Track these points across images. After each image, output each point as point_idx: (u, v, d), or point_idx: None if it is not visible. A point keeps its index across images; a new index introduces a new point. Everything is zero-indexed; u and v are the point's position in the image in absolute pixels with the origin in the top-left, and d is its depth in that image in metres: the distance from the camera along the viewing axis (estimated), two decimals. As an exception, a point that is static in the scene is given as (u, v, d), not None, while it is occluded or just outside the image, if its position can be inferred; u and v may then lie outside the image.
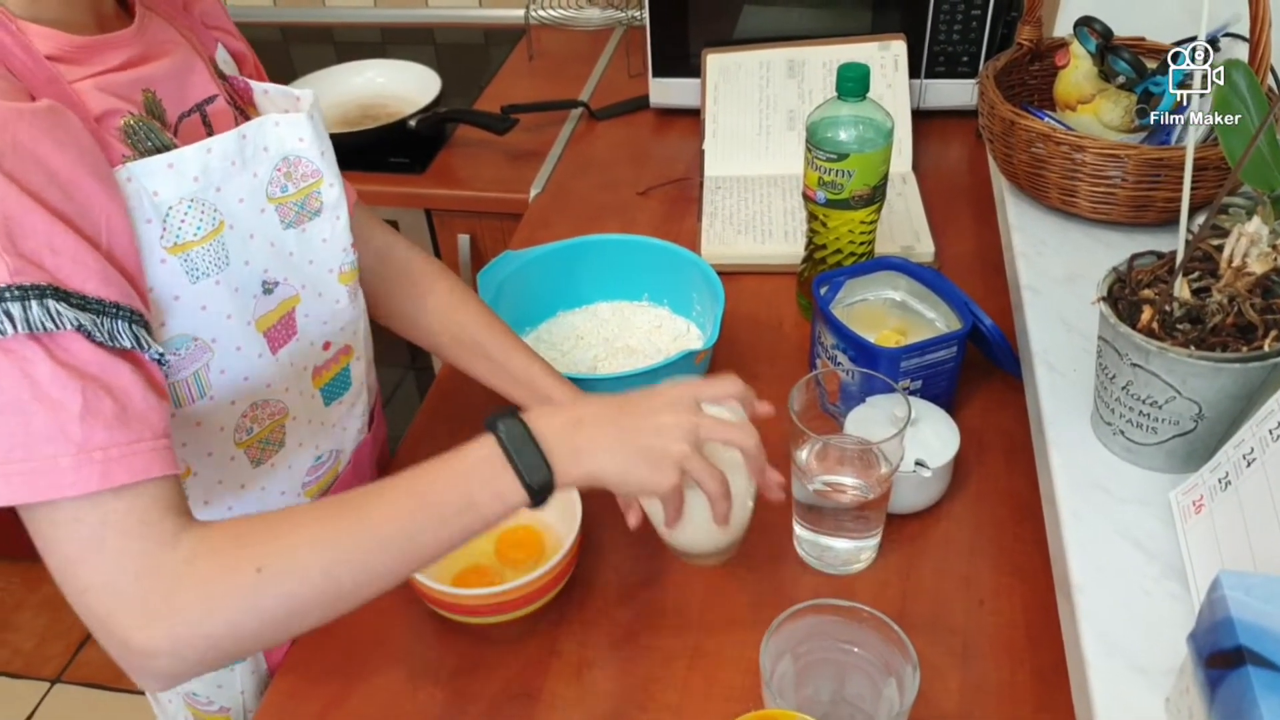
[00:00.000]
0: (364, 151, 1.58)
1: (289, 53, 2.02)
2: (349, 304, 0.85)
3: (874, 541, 0.88)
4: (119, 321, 0.61)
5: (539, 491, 0.66)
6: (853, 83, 0.98)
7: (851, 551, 0.87)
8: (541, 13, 1.87)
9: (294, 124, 0.77)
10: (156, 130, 0.70)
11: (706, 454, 0.70)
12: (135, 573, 0.59)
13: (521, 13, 1.85)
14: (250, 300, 0.76)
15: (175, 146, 0.70)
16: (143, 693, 1.02)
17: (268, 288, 0.77)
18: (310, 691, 0.83)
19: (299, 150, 0.78)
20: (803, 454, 0.84)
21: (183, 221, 0.69)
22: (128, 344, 0.61)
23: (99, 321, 0.60)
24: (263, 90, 0.82)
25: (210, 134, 0.76)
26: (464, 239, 1.55)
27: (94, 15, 0.70)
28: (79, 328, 0.58)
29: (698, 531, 0.76)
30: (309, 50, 2.02)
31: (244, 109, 0.83)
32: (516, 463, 0.65)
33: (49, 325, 0.57)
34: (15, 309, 0.56)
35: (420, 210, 1.55)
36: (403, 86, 1.72)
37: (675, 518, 0.73)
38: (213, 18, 0.85)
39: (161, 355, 0.65)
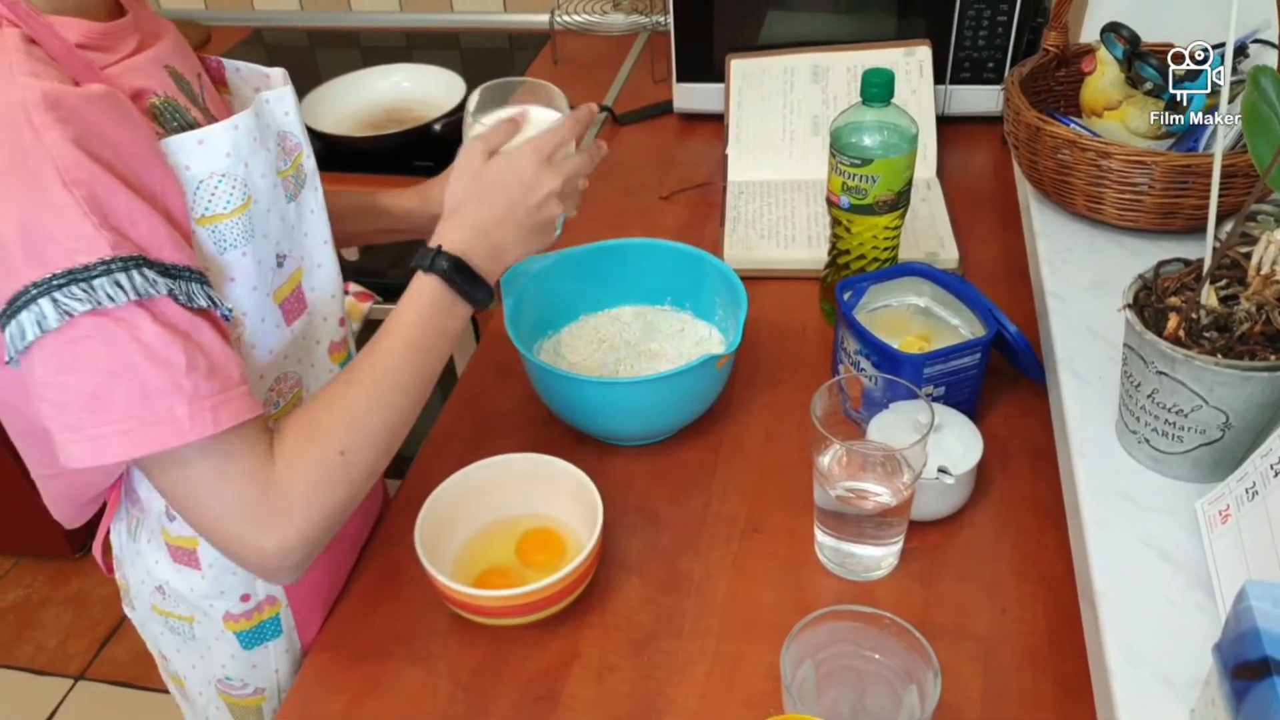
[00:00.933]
0: (389, 155, 1.59)
1: (315, 56, 2.03)
2: (340, 276, 0.89)
3: (896, 548, 0.88)
4: (193, 284, 0.67)
5: (482, 301, 0.81)
6: (877, 88, 0.98)
7: (873, 558, 0.87)
8: (566, 17, 1.87)
9: (281, 99, 0.80)
10: (181, 109, 0.74)
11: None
12: (260, 492, 0.69)
13: (546, 17, 1.85)
14: (270, 272, 0.79)
15: (198, 124, 0.73)
16: (165, 690, 1.03)
17: (279, 260, 0.80)
18: (332, 693, 0.84)
19: (285, 124, 0.81)
20: (825, 460, 0.84)
21: (212, 195, 0.72)
22: (204, 304, 0.67)
23: (178, 285, 0.65)
24: (233, 67, 0.86)
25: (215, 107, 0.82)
26: (487, 242, 1.56)
27: (103, 4, 0.72)
28: (169, 293, 0.64)
29: None
30: (335, 54, 2.03)
31: (217, 84, 0.87)
32: (461, 288, 0.79)
33: (151, 291, 0.62)
34: (123, 279, 0.61)
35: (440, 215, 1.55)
36: (428, 90, 1.73)
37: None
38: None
39: (230, 311, 0.71)
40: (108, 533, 0.92)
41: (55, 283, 0.59)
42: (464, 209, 0.82)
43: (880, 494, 0.83)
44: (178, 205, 0.69)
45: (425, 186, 1.05)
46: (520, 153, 0.84)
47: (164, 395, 0.63)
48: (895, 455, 0.82)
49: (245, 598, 0.88)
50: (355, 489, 0.74)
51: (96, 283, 0.60)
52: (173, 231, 0.66)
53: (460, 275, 0.79)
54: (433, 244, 0.80)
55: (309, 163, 0.84)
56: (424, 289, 0.78)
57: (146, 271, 0.62)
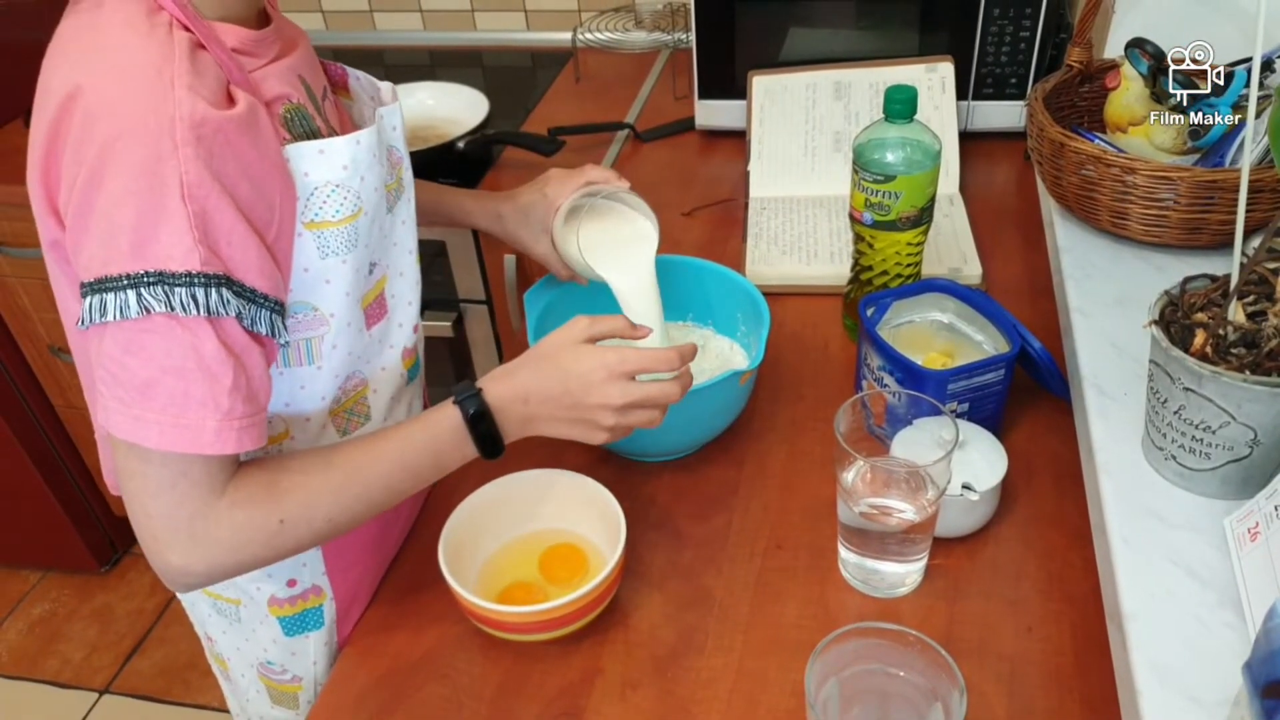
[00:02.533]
0: (413, 172, 1.60)
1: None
2: (420, 285, 0.92)
3: (920, 565, 0.87)
4: (264, 310, 0.71)
5: (491, 454, 0.81)
6: (900, 105, 0.98)
7: (898, 575, 0.87)
8: (589, 35, 1.89)
9: (392, 114, 0.84)
10: (309, 116, 0.78)
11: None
12: (190, 514, 0.71)
13: (569, 35, 1.87)
14: (364, 279, 0.82)
15: (320, 133, 0.78)
16: (190, 705, 1.04)
17: (371, 268, 0.84)
18: (356, 708, 0.84)
19: (393, 139, 0.85)
20: (849, 476, 0.84)
21: (324, 203, 0.75)
22: (264, 331, 0.71)
23: (248, 309, 0.70)
24: (355, 76, 0.90)
25: (336, 116, 0.86)
26: (510, 260, 1.56)
27: (256, 11, 0.77)
28: (238, 315, 0.68)
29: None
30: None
31: (339, 93, 0.91)
32: (476, 435, 0.80)
33: (221, 310, 0.67)
34: (200, 293, 0.66)
35: (468, 231, 1.57)
36: (451, 109, 1.74)
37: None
38: None
39: (287, 341, 0.76)
40: None
41: (146, 279, 0.65)
42: (523, 369, 0.82)
43: (904, 511, 0.83)
44: (291, 214, 0.73)
45: (501, 201, 1.08)
46: (603, 355, 0.81)
47: (202, 405, 0.68)
48: (919, 472, 0.82)
49: (291, 583, 0.91)
50: (276, 555, 0.76)
51: (178, 290, 0.65)
52: (265, 257, 0.70)
53: (481, 426, 0.79)
54: (480, 384, 0.81)
55: (408, 175, 0.89)
56: (445, 418, 0.80)
57: (224, 291, 0.67)
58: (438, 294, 1.67)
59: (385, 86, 0.88)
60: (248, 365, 0.70)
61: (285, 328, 0.74)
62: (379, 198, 0.80)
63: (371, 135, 0.78)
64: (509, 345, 1.64)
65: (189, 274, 0.65)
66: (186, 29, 0.68)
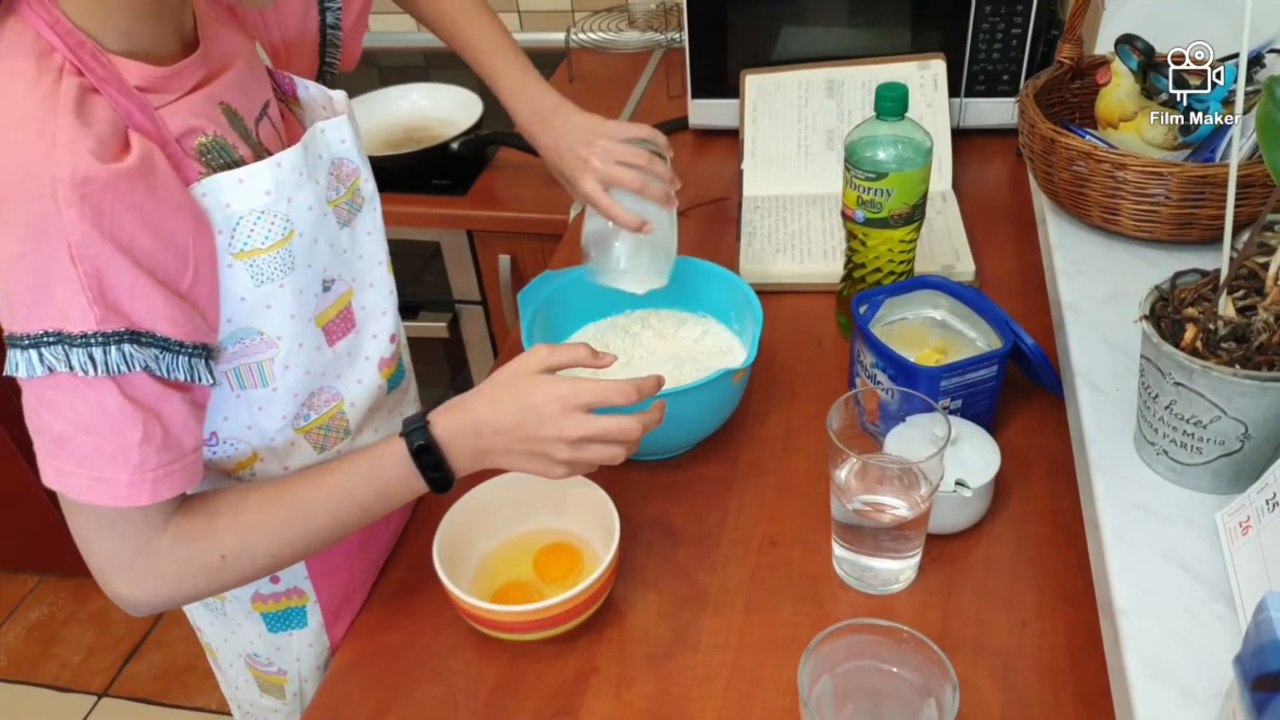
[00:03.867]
0: (407, 174, 1.60)
1: (335, 77, 2.05)
2: (394, 293, 0.90)
3: (914, 561, 0.87)
4: (179, 358, 0.70)
5: (441, 489, 0.80)
6: (891, 102, 0.98)
7: (891, 571, 0.87)
8: (582, 35, 1.89)
9: (338, 127, 0.81)
10: (228, 147, 0.75)
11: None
12: (133, 550, 0.73)
13: (562, 35, 1.87)
14: (312, 300, 0.80)
15: (243, 162, 0.75)
16: (188, 707, 1.04)
17: (326, 285, 0.82)
18: (351, 707, 0.84)
19: (342, 152, 0.82)
20: (842, 473, 0.84)
21: (251, 231, 0.74)
22: (182, 378, 0.70)
23: (161, 357, 0.68)
24: (304, 86, 0.86)
25: (277, 132, 0.83)
26: (505, 259, 1.57)
27: (179, 40, 0.74)
28: (145, 367, 0.67)
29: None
30: (353, 74, 2.03)
31: (286, 102, 0.88)
32: (423, 470, 0.78)
33: (123, 368, 0.66)
34: (98, 353, 0.65)
35: (462, 231, 1.57)
36: (445, 110, 1.74)
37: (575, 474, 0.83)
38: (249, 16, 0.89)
39: (214, 383, 0.74)
40: None
41: (45, 339, 0.64)
42: (476, 399, 0.80)
43: (898, 507, 0.83)
44: (208, 254, 0.71)
45: (550, 112, 1.08)
46: (558, 386, 0.78)
47: (113, 460, 0.68)
48: (912, 468, 0.82)
49: (275, 579, 0.91)
50: (223, 586, 0.79)
51: (76, 350, 0.64)
52: (175, 306, 0.68)
53: (427, 459, 0.78)
54: (430, 416, 0.79)
55: (367, 186, 0.85)
56: (391, 452, 0.79)
57: (126, 347, 0.66)
58: (432, 295, 1.68)
59: (338, 96, 0.85)
60: (163, 415, 0.70)
61: (209, 371, 0.72)
62: (317, 217, 0.78)
63: (295, 155, 0.75)
64: (504, 345, 1.64)
65: (85, 335, 0.64)
66: (80, 72, 0.66)
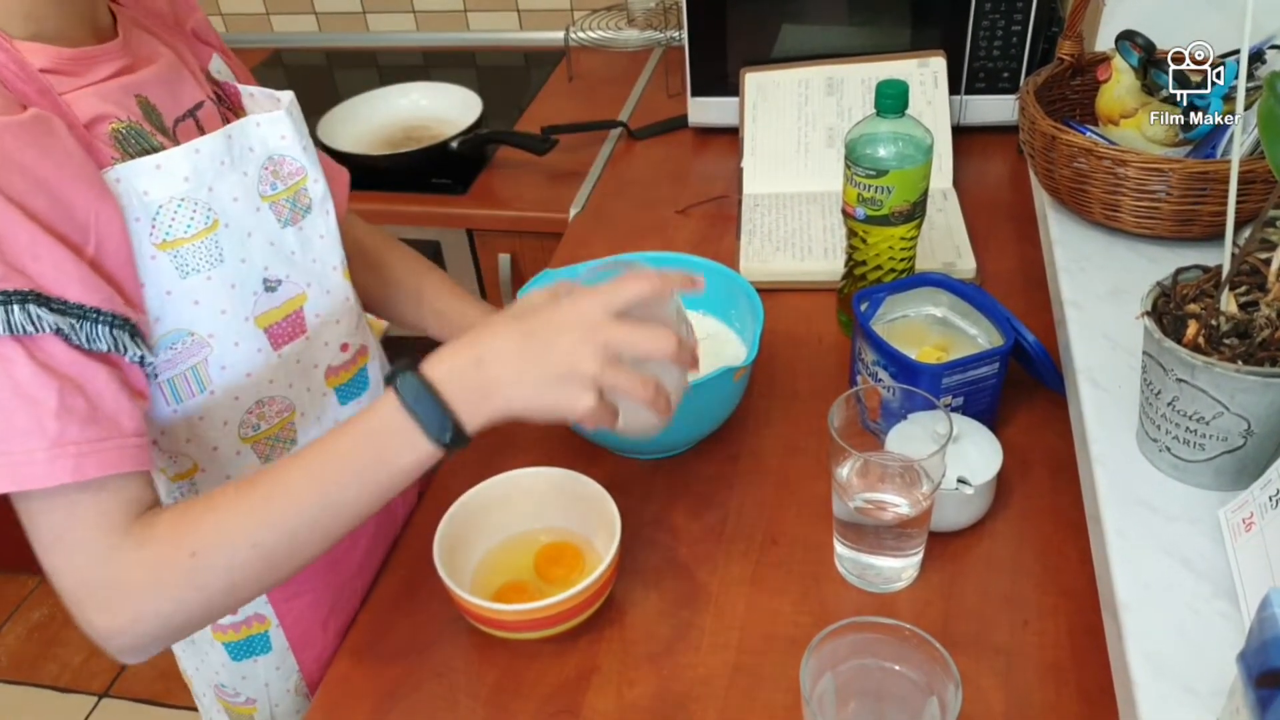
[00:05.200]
0: (407, 173, 1.60)
1: (333, 76, 2.05)
2: (356, 303, 0.87)
3: (916, 559, 0.87)
4: (99, 326, 0.65)
5: (448, 441, 0.67)
6: (891, 99, 0.98)
7: (893, 569, 0.87)
8: (581, 34, 1.88)
9: (275, 122, 0.79)
10: (146, 134, 0.73)
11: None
12: (95, 559, 0.65)
13: (561, 34, 1.87)
14: (249, 297, 0.78)
15: (163, 149, 0.72)
16: (188, 708, 1.04)
17: (269, 285, 0.80)
18: (352, 706, 0.84)
19: (282, 148, 0.80)
20: (843, 471, 0.84)
21: (173, 219, 0.72)
22: (105, 347, 0.65)
23: (77, 325, 0.63)
24: (248, 93, 0.85)
25: (201, 134, 0.78)
26: (505, 258, 1.56)
27: (91, 29, 0.73)
28: (57, 331, 0.62)
29: (640, 421, 0.74)
30: (353, 74, 2.05)
31: (234, 110, 0.85)
32: (419, 417, 0.67)
33: (29, 328, 0.61)
34: (0, 312, 0.60)
35: (462, 230, 1.57)
36: (445, 109, 1.74)
37: (611, 424, 0.71)
38: (205, 34, 0.88)
39: (143, 358, 0.68)
40: None
41: None
42: (474, 333, 0.70)
43: (899, 505, 0.83)
44: (113, 232, 0.67)
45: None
46: (578, 291, 0.69)
47: (25, 435, 0.62)
48: (914, 466, 0.82)
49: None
50: (203, 595, 0.68)
51: None
52: (86, 271, 0.64)
53: (420, 398, 0.66)
54: (424, 360, 0.69)
55: (315, 187, 0.83)
56: (381, 404, 0.68)
57: (32, 308, 0.61)
58: (433, 294, 1.67)
59: (284, 97, 0.82)
60: (85, 385, 0.64)
61: (135, 343, 0.67)
62: (246, 209, 0.76)
63: (214, 141, 0.74)
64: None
65: None
66: None
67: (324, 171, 0.85)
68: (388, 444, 0.68)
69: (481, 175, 1.60)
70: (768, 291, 1.15)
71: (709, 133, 1.59)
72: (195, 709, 1.03)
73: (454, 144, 1.60)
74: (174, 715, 1.97)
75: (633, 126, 1.63)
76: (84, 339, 0.64)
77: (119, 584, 0.66)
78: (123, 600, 0.66)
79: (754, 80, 1.45)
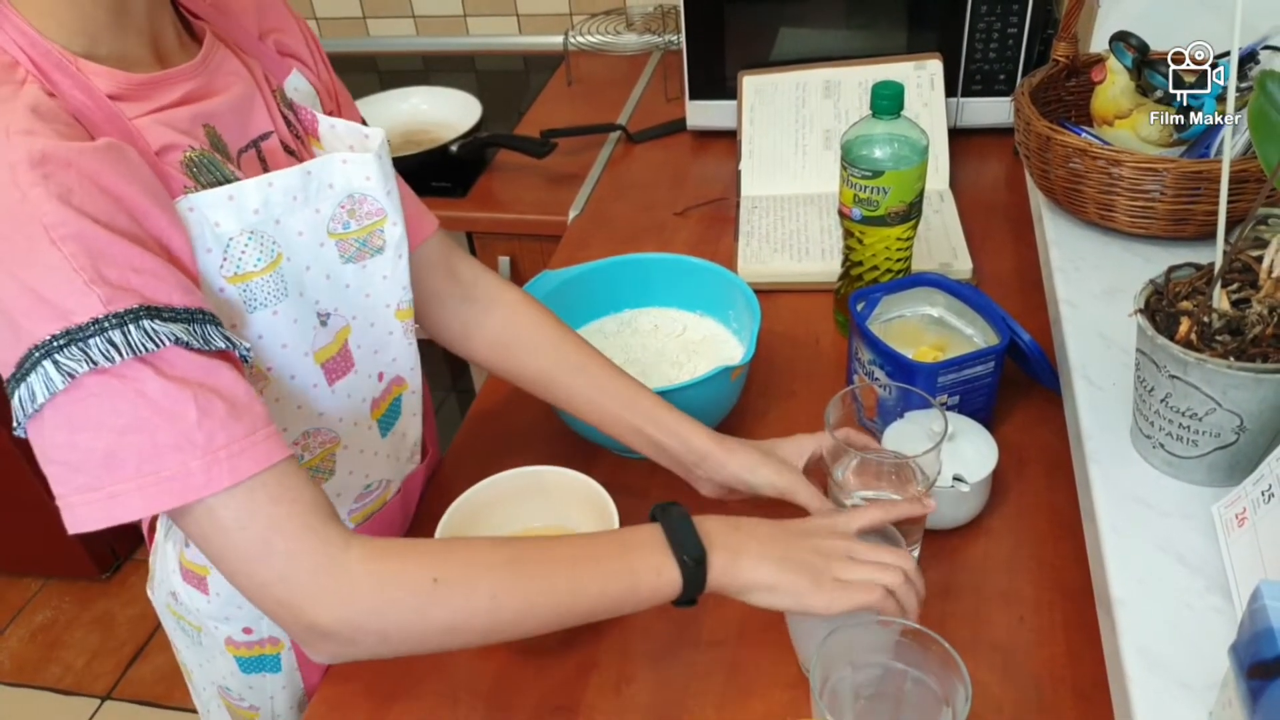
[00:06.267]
0: (407, 176, 1.58)
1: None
2: (402, 337, 0.86)
3: (912, 556, 0.87)
4: (209, 326, 0.64)
5: (693, 571, 0.70)
6: (886, 100, 0.99)
7: (890, 567, 0.87)
8: (580, 38, 1.89)
9: (361, 163, 0.77)
10: (218, 163, 0.71)
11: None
12: (311, 569, 0.64)
13: (560, 39, 1.88)
14: (309, 331, 0.77)
15: (237, 179, 0.71)
16: (191, 709, 1.04)
17: (322, 319, 0.79)
18: (353, 703, 0.84)
19: (365, 188, 0.78)
20: (840, 469, 0.84)
21: (243, 252, 0.71)
22: (221, 345, 0.64)
23: (192, 329, 0.62)
24: (329, 125, 0.82)
25: (265, 168, 0.77)
26: (504, 260, 1.57)
27: (152, 51, 0.71)
28: (176, 341, 0.61)
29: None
30: (353, 78, 2.06)
31: (303, 139, 0.82)
32: (674, 542, 0.70)
33: (150, 345, 0.59)
34: (117, 336, 0.58)
35: (462, 233, 1.57)
36: (444, 113, 1.75)
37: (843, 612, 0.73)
38: (289, 47, 0.85)
39: (249, 351, 0.67)
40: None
41: (55, 344, 0.58)
42: (732, 517, 0.75)
43: (895, 502, 0.84)
44: (186, 264, 0.67)
45: (741, 443, 0.88)
46: (819, 515, 0.78)
47: (176, 450, 0.60)
48: (910, 464, 0.82)
49: (248, 630, 0.89)
50: (426, 625, 0.67)
51: (91, 342, 0.58)
52: (181, 276, 0.64)
53: (681, 527, 0.71)
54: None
55: (394, 230, 0.80)
56: (640, 527, 0.73)
57: (147, 324, 0.60)
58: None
59: (375, 135, 0.79)
60: (218, 387, 0.63)
61: (240, 343, 0.67)
62: (310, 245, 0.75)
63: (290, 177, 0.72)
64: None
65: (95, 321, 0.58)
66: (50, 93, 0.62)
67: (407, 212, 0.83)
68: (641, 559, 0.71)
69: (481, 178, 1.61)
70: (766, 292, 1.16)
71: (707, 135, 1.59)
72: (196, 711, 1.03)
73: (454, 148, 1.61)
74: (176, 717, 1.97)
75: (631, 130, 1.64)
76: (201, 340, 0.63)
77: (343, 592, 0.65)
78: (346, 607, 0.65)
79: (752, 83, 1.45)
